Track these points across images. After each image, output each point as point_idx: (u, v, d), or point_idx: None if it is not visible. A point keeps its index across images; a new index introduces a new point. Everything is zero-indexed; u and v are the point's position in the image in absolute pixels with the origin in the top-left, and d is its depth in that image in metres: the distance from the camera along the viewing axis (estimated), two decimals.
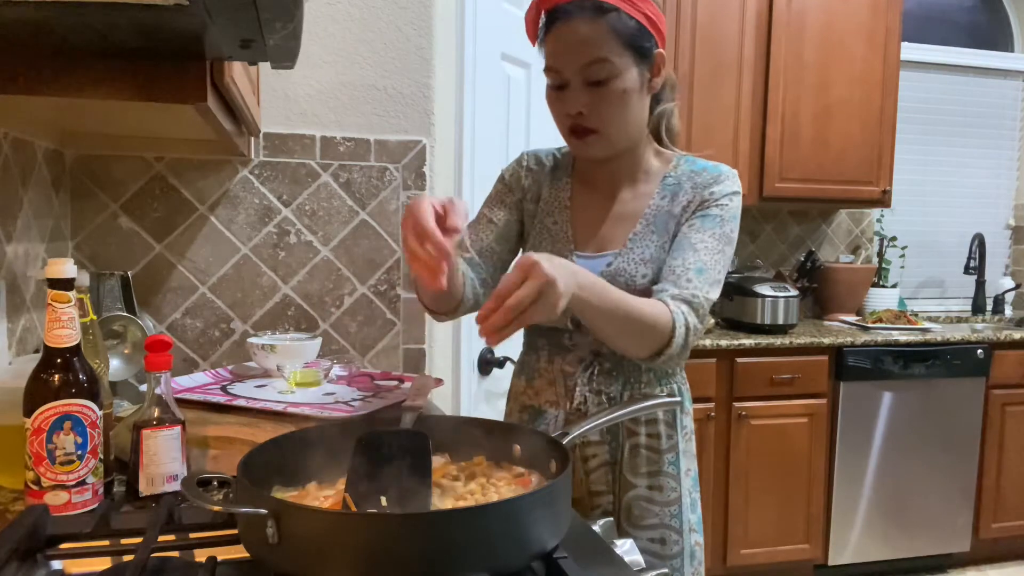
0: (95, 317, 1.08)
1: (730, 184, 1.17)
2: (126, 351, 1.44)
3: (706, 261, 1.11)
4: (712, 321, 2.93)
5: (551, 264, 0.87)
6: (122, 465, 0.99)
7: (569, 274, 0.90)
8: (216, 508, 0.68)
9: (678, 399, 1.13)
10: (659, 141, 1.26)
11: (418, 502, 0.79)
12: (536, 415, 1.25)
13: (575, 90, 1.11)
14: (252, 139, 1.79)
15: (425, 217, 0.87)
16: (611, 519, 1.01)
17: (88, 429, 0.88)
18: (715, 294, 1.11)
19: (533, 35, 1.16)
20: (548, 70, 1.14)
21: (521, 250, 1.32)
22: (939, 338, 2.99)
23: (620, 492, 1.19)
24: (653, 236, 1.17)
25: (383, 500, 0.79)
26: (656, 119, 1.25)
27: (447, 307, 1.17)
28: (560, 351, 1.23)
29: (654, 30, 1.12)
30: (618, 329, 1.03)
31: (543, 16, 1.13)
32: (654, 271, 1.14)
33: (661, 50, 1.14)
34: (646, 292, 1.10)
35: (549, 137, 2.25)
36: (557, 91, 1.14)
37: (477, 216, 1.31)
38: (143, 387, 1.42)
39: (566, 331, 1.22)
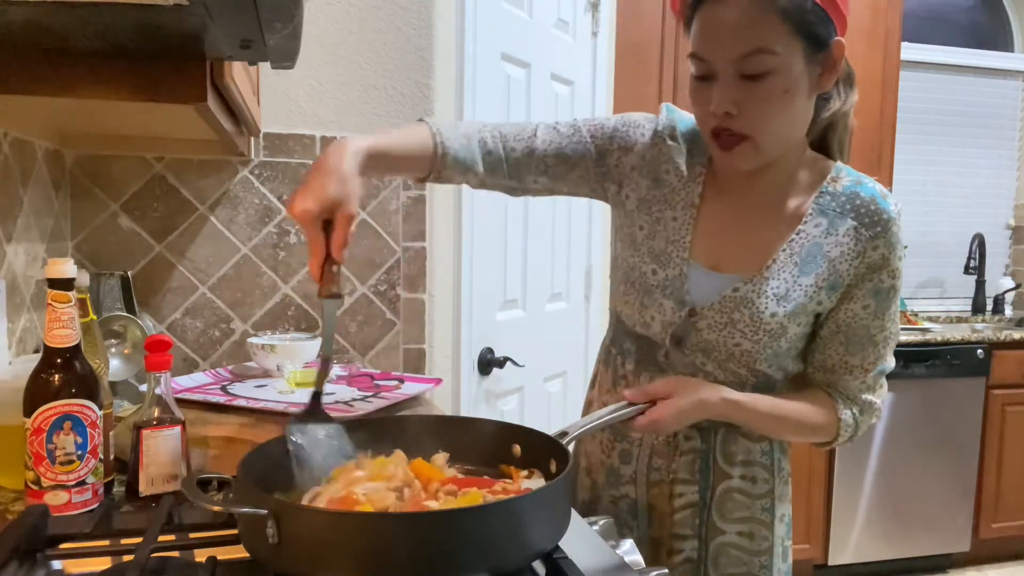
0: (95, 317, 1.08)
1: (899, 234, 0.98)
2: (126, 351, 1.44)
3: (885, 356, 1.03)
4: None
5: (678, 416, 0.95)
6: (122, 465, 0.99)
7: (692, 416, 0.97)
8: (216, 508, 0.68)
9: None
10: (822, 150, 1.06)
11: None
12: (620, 432, 1.10)
13: (725, 84, 0.91)
14: (252, 139, 1.79)
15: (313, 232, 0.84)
16: (611, 519, 1.00)
17: (88, 429, 0.88)
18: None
19: (680, 13, 0.96)
20: (693, 57, 0.94)
21: (630, 232, 1.10)
22: (939, 338, 2.99)
23: (707, 537, 1.07)
24: (794, 269, 0.99)
25: None
26: (823, 125, 1.03)
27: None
28: (649, 366, 1.08)
29: (834, 13, 0.90)
30: (774, 432, 1.08)
31: None
32: (785, 311, 0.98)
33: (840, 38, 0.92)
34: (770, 328, 0.99)
35: None
36: (702, 82, 0.94)
37: (573, 122, 1.12)
38: (143, 387, 1.42)
39: (663, 347, 1.06)
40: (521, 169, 1.09)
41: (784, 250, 1.00)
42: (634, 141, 1.09)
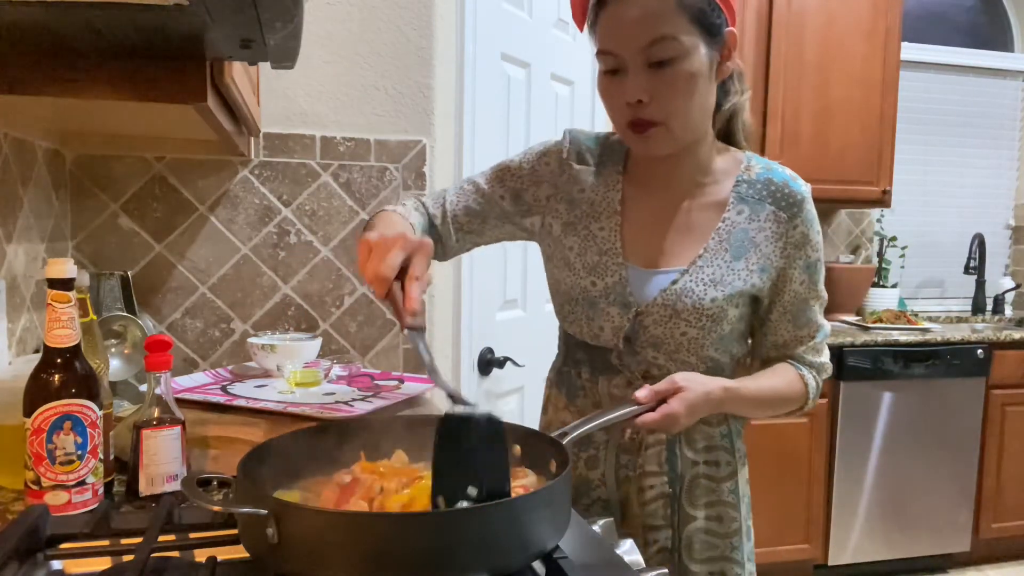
0: (95, 317, 1.08)
1: (812, 210, 1.08)
2: (126, 351, 1.44)
3: (821, 320, 1.14)
4: None
5: (691, 410, 0.97)
6: (122, 465, 0.99)
7: (702, 409, 1.00)
8: (216, 508, 0.68)
9: None
10: (727, 140, 1.14)
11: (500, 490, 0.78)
12: (584, 441, 1.12)
13: (635, 74, 0.97)
14: (252, 139, 1.79)
15: (387, 277, 0.77)
16: (610, 519, 1.00)
17: (88, 429, 0.88)
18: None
19: (581, 17, 1.03)
20: (601, 53, 1.00)
21: (562, 255, 1.14)
22: (939, 338, 2.99)
23: (680, 525, 1.10)
24: (725, 255, 1.06)
25: (471, 491, 0.75)
26: (726, 115, 1.11)
27: None
28: (605, 370, 1.11)
29: (724, 5, 1.00)
30: (759, 411, 1.12)
31: None
32: (723, 295, 1.05)
33: (733, 29, 1.01)
34: (712, 312, 1.05)
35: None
36: (612, 76, 1.00)
37: (473, 178, 1.20)
38: (143, 387, 1.42)
39: (613, 350, 1.10)
40: (442, 233, 1.17)
41: (713, 238, 1.07)
42: (542, 172, 1.16)
